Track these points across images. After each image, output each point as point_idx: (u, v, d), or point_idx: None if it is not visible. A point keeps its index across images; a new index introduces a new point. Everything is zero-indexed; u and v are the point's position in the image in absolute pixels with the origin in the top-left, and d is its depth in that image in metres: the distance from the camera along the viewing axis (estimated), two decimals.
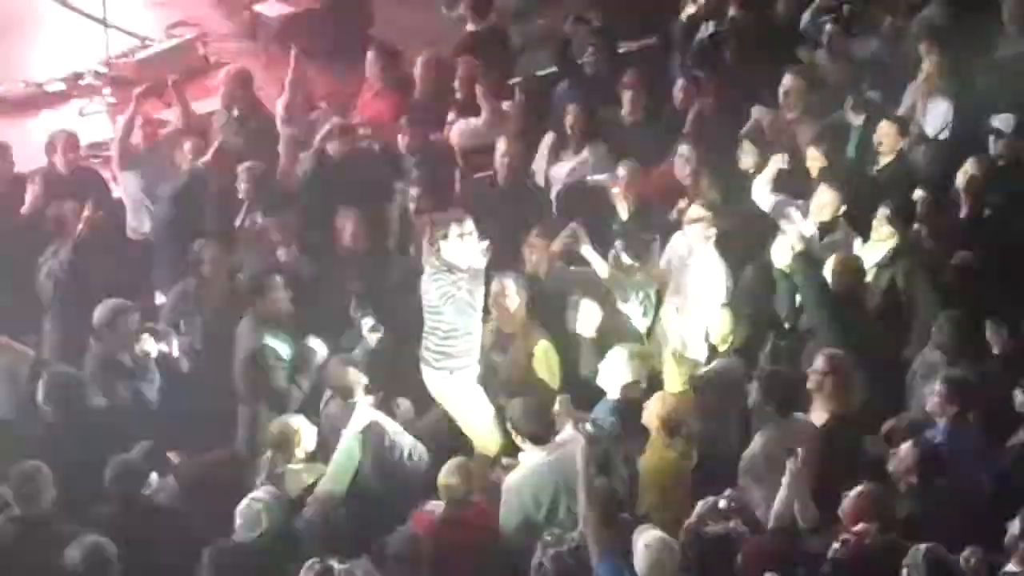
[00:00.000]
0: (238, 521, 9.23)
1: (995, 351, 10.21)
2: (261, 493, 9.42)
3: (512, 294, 10.98)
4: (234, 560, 9.14)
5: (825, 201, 11.72)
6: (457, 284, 10.58)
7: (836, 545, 8.54)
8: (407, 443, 10.16)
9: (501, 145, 12.84)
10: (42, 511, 9.34)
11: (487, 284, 10.79)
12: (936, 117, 13.07)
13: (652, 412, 9.97)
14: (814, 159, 12.27)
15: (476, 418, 10.64)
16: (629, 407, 10.17)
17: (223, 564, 9.12)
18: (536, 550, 8.96)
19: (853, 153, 12.89)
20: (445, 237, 10.64)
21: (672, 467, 9.80)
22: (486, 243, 10.75)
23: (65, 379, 10.41)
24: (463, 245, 10.61)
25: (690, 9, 14.89)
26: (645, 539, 8.48)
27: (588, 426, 9.75)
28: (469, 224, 10.71)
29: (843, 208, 11.70)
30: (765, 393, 9.87)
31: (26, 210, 12.52)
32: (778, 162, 11.96)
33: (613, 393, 10.33)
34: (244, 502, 9.30)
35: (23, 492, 9.32)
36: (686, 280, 11.41)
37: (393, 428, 10.16)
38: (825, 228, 11.64)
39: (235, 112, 13.67)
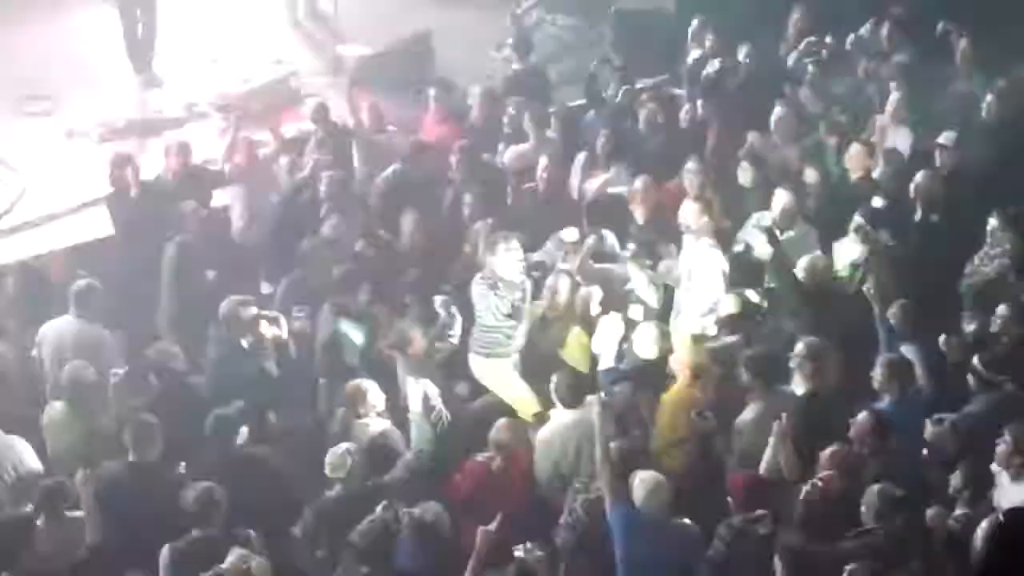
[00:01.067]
0: (327, 465, 9.37)
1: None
2: (348, 444, 9.53)
3: (563, 289, 11.10)
4: (332, 509, 9.27)
5: (783, 201, 11.81)
6: (496, 292, 10.75)
7: (807, 488, 8.67)
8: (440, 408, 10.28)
9: (542, 162, 12.94)
10: (151, 458, 9.42)
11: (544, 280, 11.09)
12: (902, 141, 13.19)
13: (681, 358, 10.14)
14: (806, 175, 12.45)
15: (513, 394, 10.73)
16: (647, 373, 10.28)
17: (323, 512, 9.30)
18: (568, 495, 9.14)
19: (832, 169, 12.89)
20: (494, 252, 10.80)
21: (688, 404, 9.89)
22: (526, 259, 10.98)
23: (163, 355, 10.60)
24: (508, 259, 10.79)
25: (695, 53, 14.97)
26: (640, 476, 8.67)
27: (602, 394, 9.88)
28: (515, 243, 10.89)
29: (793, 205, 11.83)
30: (752, 371, 9.93)
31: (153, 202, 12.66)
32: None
33: (631, 361, 10.47)
34: (332, 450, 9.44)
35: (139, 440, 9.42)
36: (695, 273, 11.43)
37: (434, 393, 10.20)
38: (785, 224, 11.68)
39: (320, 135, 13.76)
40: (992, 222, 11.20)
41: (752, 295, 11.17)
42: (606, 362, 10.66)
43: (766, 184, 12.42)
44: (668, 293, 11.45)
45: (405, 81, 15.47)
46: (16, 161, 14.58)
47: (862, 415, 9.27)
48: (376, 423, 10.02)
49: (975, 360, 9.83)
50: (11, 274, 11.76)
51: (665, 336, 10.55)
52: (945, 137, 12.52)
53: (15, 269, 11.86)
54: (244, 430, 9.67)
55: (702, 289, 11.30)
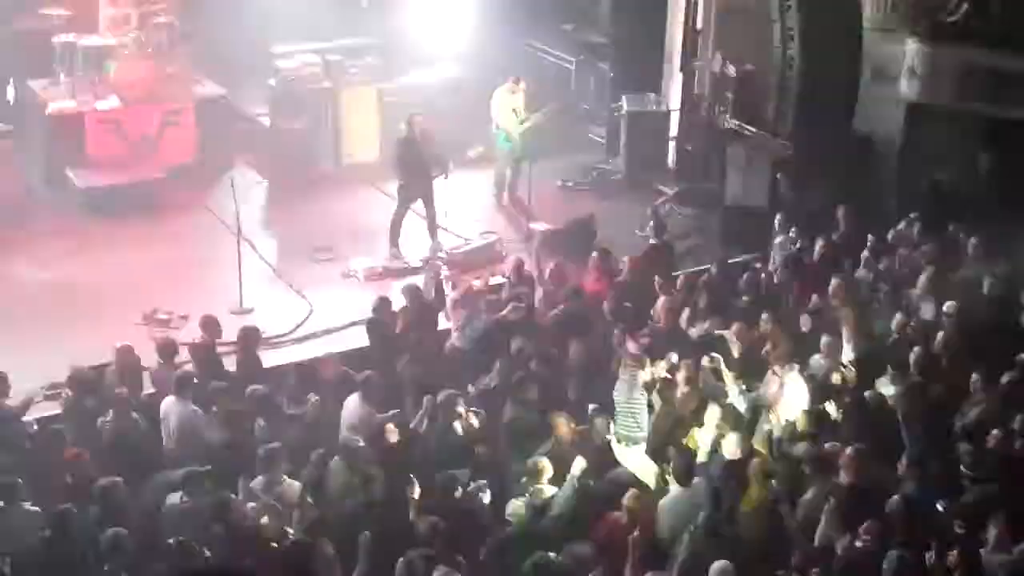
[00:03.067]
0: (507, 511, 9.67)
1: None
2: (521, 499, 9.78)
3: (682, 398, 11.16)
4: (502, 544, 9.42)
5: (826, 344, 11.88)
6: (635, 397, 10.81)
7: (845, 544, 8.86)
8: None
9: (665, 308, 13.10)
10: (376, 498, 9.72)
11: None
12: (927, 309, 13.02)
13: (755, 465, 10.06)
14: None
15: (643, 474, 10.63)
16: (735, 468, 10.18)
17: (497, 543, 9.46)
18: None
19: (878, 328, 12.77)
20: (635, 376, 10.86)
21: (764, 497, 9.85)
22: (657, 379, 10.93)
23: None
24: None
25: (780, 238, 14.91)
26: (716, 566, 8.61)
27: (703, 480, 9.91)
28: (648, 367, 10.94)
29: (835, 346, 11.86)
30: (812, 466, 9.94)
31: (399, 329, 12.86)
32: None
33: (721, 460, 10.37)
34: (512, 500, 9.73)
35: (366, 485, 9.81)
36: (773, 392, 11.39)
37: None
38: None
39: (515, 282, 13.91)
40: (974, 376, 11.18)
41: (827, 408, 11.02)
42: (703, 457, 10.57)
43: (819, 332, 12.34)
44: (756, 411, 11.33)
45: (575, 248, 15.55)
46: (307, 291, 15.01)
47: (896, 500, 9.21)
48: (548, 489, 9.97)
49: (961, 466, 9.86)
50: (291, 372, 11.96)
51: (746, 442, 10.46)
52: (947, 306, 12.52)
53: (293, 368, 12.08)
54: (459, 488, 9.83)
55: (779, 405, 11.22)
